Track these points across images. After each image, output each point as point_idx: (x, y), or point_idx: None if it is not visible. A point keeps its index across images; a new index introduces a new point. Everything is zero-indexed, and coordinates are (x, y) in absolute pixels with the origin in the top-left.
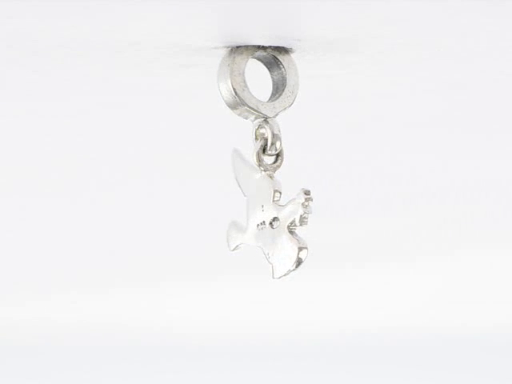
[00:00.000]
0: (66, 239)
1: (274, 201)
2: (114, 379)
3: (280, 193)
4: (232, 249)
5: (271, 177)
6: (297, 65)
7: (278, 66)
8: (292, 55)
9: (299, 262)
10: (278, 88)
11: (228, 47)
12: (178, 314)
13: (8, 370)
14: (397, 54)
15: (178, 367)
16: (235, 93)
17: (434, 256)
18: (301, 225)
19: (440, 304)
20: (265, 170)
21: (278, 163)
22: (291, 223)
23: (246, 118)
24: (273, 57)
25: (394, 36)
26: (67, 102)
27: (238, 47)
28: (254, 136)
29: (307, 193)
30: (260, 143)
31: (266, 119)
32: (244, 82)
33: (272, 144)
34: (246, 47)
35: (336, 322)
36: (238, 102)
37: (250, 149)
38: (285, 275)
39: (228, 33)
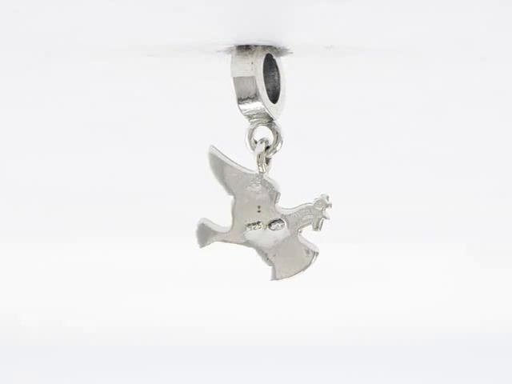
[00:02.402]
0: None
1: (275, 203)
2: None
3: (280, 194)
4: (203, 246)
5: (270, 178)
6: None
7: (271, 68)
8: (282, 58)
9: (310, 266)
10: (268, 90)
11: (231, 46)
12: (163, 310)
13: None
14: (395, 59)
15: (171, 366)
16: (257, 92)
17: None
18: (315, 230)
19: (440, 304)
20: (262, 172)
21: (269, 165)
22: (302, 227)
23: (248, 118)
24: (270, 59)
25: (393, 44)
26: (72, 99)
27: (256, 46)
28: (249, 137)
29: (328, 199)
30: (263, 145)
31: (270, 121)
32: (263, 81)
33: (274, 146)
34: (259, 47)
35: (332, 321)
36: (254, 102)
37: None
38: (288, 277)
39: (237, 33)
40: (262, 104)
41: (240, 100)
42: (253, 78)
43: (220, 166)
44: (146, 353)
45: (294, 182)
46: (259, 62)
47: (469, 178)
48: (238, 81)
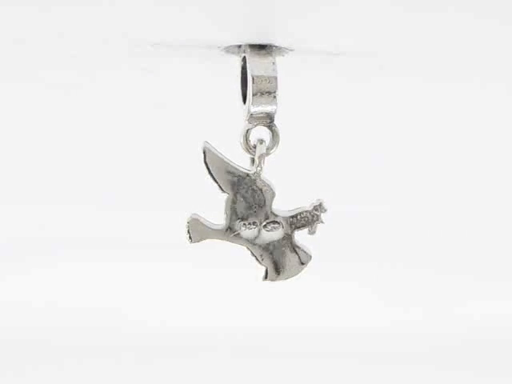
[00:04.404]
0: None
1: (271, 204)
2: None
3: (275, 195)
4: (194, 242)
5: (266, 179)
6: None
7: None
8: (282, 58)
9: (303, 269)
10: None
11: (235, 45)
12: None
13: None
14: (393, 63)
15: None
16: (276, 91)
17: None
18: (311, 234)
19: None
20: (259, 172)
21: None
22: (297, 230)
23: (249, 118)
24: None
25: (391, 48)
26: (77, 96)
27: (271, 46)
28: (246, 137)
29: (324, 204)
30: (263, 145)
31: (271, 122)
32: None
33: (272, 147)
34: (274, 47)
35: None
36: (271, 101)
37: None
38: (282, 279)
39: (249, 31)
40: (274, 106)
41: (256, 99)
42: (275, 78)
43: (215, 163)
44: (144, 352)
45: (292, 182)
46: (277, 63)
47: (469, 178)
48: (257, 80)
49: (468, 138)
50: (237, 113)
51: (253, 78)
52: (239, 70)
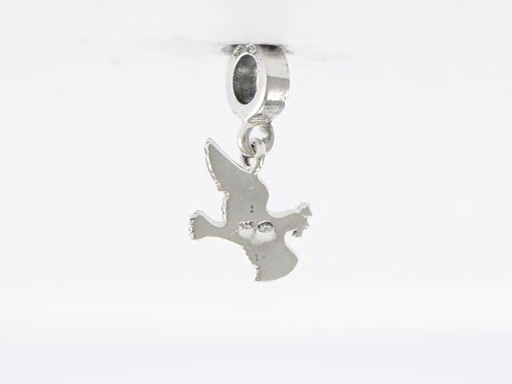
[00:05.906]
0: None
1: (266, 204)
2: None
3: (269, 196)
4: (197, 239)
5: (263, 179)
6: None
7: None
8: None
9: (292, 270)
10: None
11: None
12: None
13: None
14: (392, 66)
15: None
16: (287, 93)
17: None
18: (297, 236)
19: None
20: (257, 172)
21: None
22: (287, 231)
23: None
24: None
25: (392, 49)
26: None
27: (280, 47)
28: (245, 137)
29: (309, 207)
30: (263, 145)
31: (269, 123)
32: None
33: (269, 147)
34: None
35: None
36: (281, 103)
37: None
38: (273, 280)
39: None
40: (282, 106)
41: (267, 100)
42: (288, 79)
43: (217, 160)
44: (142, 353)
45: (290, 182)
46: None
47: (467, 182)
48: (271, 81)
49: (469, 139)
50: (224, 112)
51: (267, 79)
52: (232, 69)
